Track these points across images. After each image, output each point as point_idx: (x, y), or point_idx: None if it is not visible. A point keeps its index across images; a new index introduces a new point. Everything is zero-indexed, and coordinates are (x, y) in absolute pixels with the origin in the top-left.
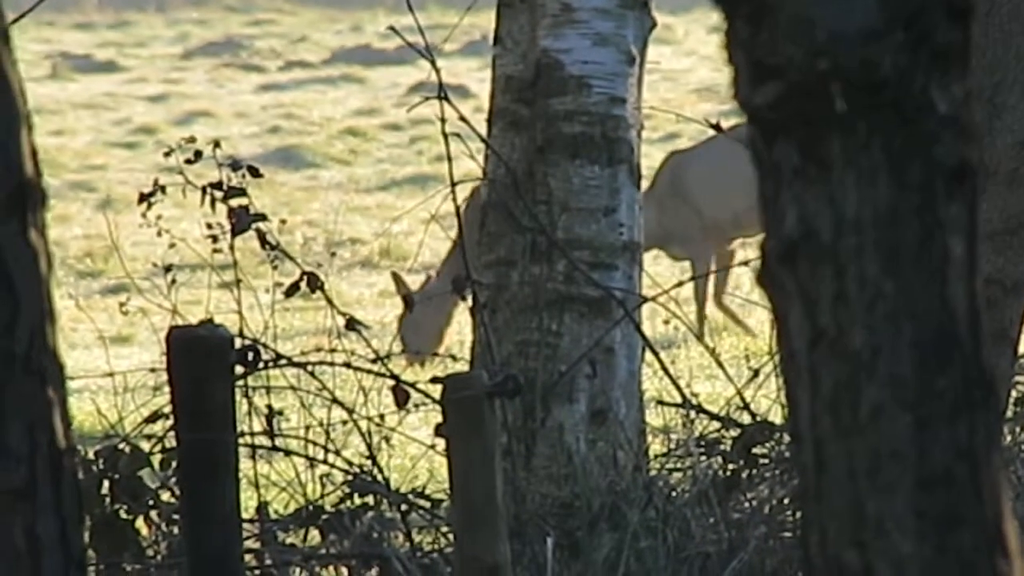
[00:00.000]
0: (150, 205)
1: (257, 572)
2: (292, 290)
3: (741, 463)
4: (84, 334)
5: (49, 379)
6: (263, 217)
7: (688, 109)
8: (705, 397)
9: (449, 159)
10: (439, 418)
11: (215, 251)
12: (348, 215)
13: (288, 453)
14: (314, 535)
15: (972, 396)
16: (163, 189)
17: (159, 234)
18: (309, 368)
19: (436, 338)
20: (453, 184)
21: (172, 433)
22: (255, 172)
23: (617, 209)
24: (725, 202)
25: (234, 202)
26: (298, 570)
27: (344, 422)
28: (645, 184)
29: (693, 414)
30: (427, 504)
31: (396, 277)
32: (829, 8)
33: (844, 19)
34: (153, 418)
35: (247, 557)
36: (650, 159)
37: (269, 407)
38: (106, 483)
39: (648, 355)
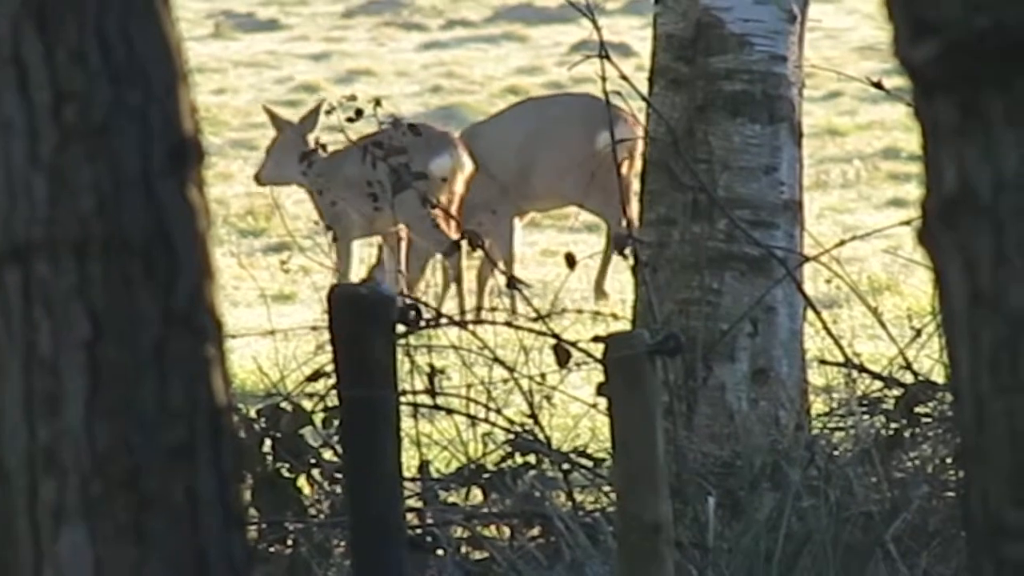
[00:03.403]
0: (311, 164)
1: (419, 531)
2: (453, 248)
3: (903, 422)
4: (246, 292)
5: (209, 337)
6: (423, 176)
7: (850, 67)
8: (867, 357)
9: (610, 118)
10: (601, 377)
11: (376, 209)
12: None
13: (449, 412)
14: (476, 494)
15: None
16: (324, 147)
17: (320, 192)
18: (470, 327)
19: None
20: (614, 143)
21: (334, 391)
22: (416, 131)
23: (778, 168)
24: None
25: (394, 160)
26: (459, 529)
27: (505, 381)
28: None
29: (855, 373)
30: (589, 463)
31: (268, 112)
32: None
33: None
34: (315, 376)
35: (409, 516)
36: (811, 117)
37: (431, 365)
38: (268, 441)
39: (810, 314)
